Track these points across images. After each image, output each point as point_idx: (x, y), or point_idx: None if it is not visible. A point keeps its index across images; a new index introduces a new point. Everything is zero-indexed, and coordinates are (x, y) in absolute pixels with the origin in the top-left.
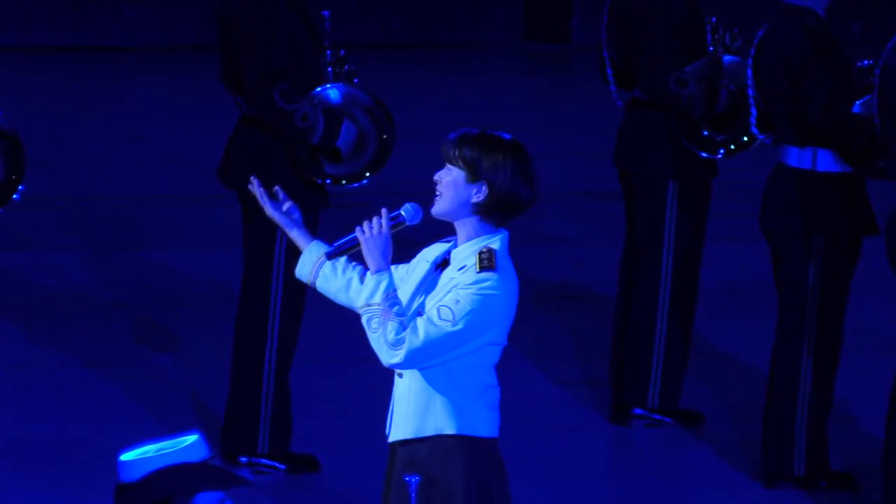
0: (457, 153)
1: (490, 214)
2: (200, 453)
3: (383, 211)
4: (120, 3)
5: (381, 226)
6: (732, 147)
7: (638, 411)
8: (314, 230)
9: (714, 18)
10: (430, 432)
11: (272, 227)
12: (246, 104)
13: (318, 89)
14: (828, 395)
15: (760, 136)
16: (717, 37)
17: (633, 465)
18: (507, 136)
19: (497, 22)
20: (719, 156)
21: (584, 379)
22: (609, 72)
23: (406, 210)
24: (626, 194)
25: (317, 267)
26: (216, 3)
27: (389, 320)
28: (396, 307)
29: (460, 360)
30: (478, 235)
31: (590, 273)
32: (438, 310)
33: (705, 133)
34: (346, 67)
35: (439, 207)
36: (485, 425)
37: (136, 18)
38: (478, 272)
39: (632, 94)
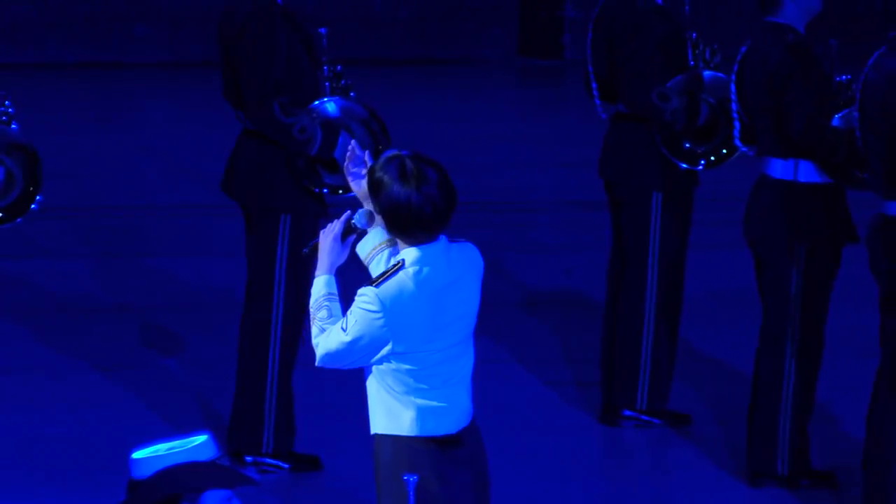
0: (369, 179)
1: (400, 237)
2: (209, 453)
3: (346, 212)
4: (131, 22)
5: (332, 229)
6: (713, 159)
7: (627, 412)
8: (314, 237)
9: (695, 34)
10: (371, 431)
11: (274, 234)
12: (247, 117)
13: (316, 103)
14: (810, 397)
15: (744, 149)
16: (697, 52)
17: (623, 465)
18: (404, 160)
19: (493, 38)
20: (700, 167)
21: (574, 381)
22: (594, 86)
23: (357, 216)
24: (612, 204)
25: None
26: (217, 21)
27: (314, 324)
28: (322, 311)
29: (381, 365)
30: (399, 249)
31: (580, 280)
32: (345, 318)
33: (687, 145)
34: (343, 82)
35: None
36: (410, 425)
37: (146, 36)
38: (367, 285)
39: (616, 107)
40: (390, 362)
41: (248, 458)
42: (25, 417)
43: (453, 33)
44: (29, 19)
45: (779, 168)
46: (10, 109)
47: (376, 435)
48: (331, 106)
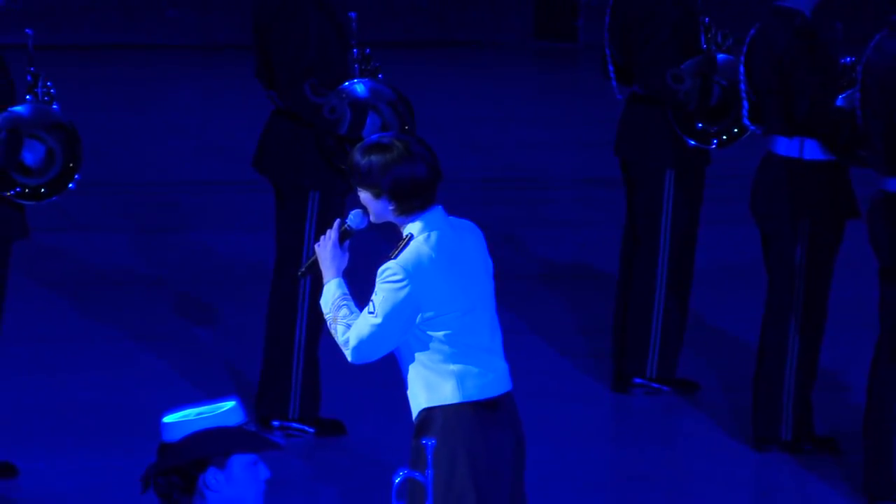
0: (354, 176)
1: (408, 210)
2: (237, 418)
3: (336, 222)
4: (163, 6)
5: (328, 239)
6: (724, 138)
7: (638, 381)
8: (341, 213)
9: (707, 19)
10: (415, 408)
11: (303, 210)
12: (279, 98)
13: (346, 84)
14: (813, 366)
15: (752, 128)
16: (709, 36)
17: (634, 431)
18: (388, 140)
19: (510, 22)
20: (712, 146)
21: (588, 351)
22: (610, 68)
23: (351, 218)
24: (627, 182)
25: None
26: (251, 5)
27: (338, 324)
28: (342, 310)
29: (413, 339)
30: (402, 225)
31: (594, 254)
32: (368, 305)
33: (699, 125)
34: (372, 64)
35: (373, 220)
36: (451, 393)
37: (177, 19)
38: (385, 264)
39: (631, 88)
40: (424, 333)
41: (276, 423)
42: (63, 383)
43: (472, 18)
44: (66, 3)
45: (785, 146)
46: (51, 90)
47: (424, 410)
48: (360, 87)
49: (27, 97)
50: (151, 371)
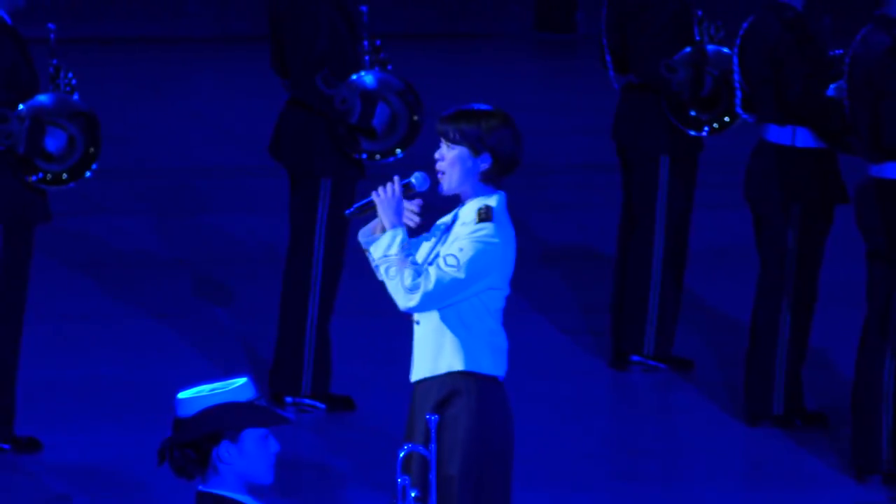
0: (456, 132)
1: (490, 179)
2: (248, 394)
3: (395, 178)
4: None
5: (393, 189)
6: (716, 126)
7: (635, 358)
8: (352, 199)
9: (700, 12)
10: (442, 370)
11: (315, 195)
12: (292, 87)
13: (356, 75)
14: (803, 343)
15: (745, 116)
16: (702, 28)
17: (631, 406)
18: (491, 107)
19: (511, 14)
20: (704, 133)
21: (587, 329)
22: (608, 58)
23: (416, 178)
24: (624, 167)
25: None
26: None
27: (406, 268)
28: (411, 257)
29: (466, 304)
30: (477, 195)
31: (592, 236)
32: (445, 258)
33: (692, 113)
34: (381, 56)
35: (448, 185)
36: (489, 364)
37: (196, 12)
38: (476, 223)
39: (627, 78)
40: (479, 300)
41: (288, 399)
42: (84, 359)
43: (475, 10)
44: None
45: (777, 134)
46: (73, 81)
47: (457, 373)
48: (369, 78)
49: (49, 87)
50: (169, 348)
